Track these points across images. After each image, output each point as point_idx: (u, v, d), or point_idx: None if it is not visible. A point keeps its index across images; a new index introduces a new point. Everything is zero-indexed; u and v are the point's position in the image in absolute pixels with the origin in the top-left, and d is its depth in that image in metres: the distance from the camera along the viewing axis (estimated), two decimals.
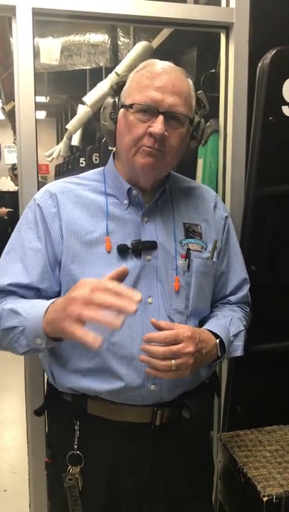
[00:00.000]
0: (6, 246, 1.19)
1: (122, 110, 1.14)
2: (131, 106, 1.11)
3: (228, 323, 1.23)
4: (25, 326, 1.05)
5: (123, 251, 1.14)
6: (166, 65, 1.15)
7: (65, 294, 1.09)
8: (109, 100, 1.17)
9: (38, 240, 1.16)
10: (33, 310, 1.05)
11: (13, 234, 1.20)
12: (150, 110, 1.09)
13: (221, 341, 1.16)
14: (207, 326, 1.19)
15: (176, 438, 1.18)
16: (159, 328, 1.06)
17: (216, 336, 1.16)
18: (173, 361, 1.03)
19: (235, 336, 1.23)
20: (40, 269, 1.14)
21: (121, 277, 0.98)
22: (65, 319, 0.93)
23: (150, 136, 1.09)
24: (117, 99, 1.16)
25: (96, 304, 0.90)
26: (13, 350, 1.11)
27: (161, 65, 1.14)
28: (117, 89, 1.17)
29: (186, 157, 1.23)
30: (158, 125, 1.08)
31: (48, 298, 1.15)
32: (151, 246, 1.16)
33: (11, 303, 1.11)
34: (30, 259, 1.15)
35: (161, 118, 1.08)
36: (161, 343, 1.03)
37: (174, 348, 1.03)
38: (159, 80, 1.10)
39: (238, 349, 1.24)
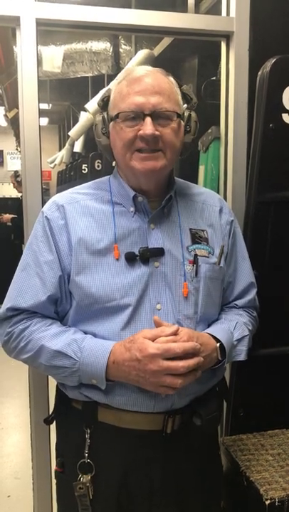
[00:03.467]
0: (20, 262, 1.21)
1: (111, 123, 1.16)
2: (117, 116, 1.13)
3: (233, 327, 1.23)
4: (80, 368, 1.10)
5: (131, 258, 1.15)
6: (143, 69, 1.17)
7: (77, 306, 1.16)
8: (98, 117, 1.20)
9: (50, 252, 1.17)
10: (85, 354, 1.10)
11: (25, 250, 1.22)
12: (136, 115, 1.11)
13: (222, 345, 1.16)
14: (209, 329, 1.20)
15: (187, 445, 1.18)
16: (158, 325, 1.10)
17: (217, 340, 1.16)
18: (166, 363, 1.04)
19: (239, 340, 1.23)
20: (57, 281, 1.16)
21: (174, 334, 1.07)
22: (148, 385, 1.06)
23: (142, 139, 1.11)
24: (105, 114, 1.18)
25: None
26: (59, 380, 1.20)
27: (138, 71, 1.16)
28: (104, 104, 1.20)
29: (185, 153, 1.23)
30: (147, 127, 1.09)
31: (63, 311, 1.20)
32: (159, 253, 1.16)
33: (45, 337, 1.13)
34: (46, 273, 1.16)
35: (148, 120, 1.10)
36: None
37: (166, 346, 1.05)
38: (138, 84, 1.12)
39: (241, 353, 1.24)
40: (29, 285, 1.16)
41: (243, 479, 1.34)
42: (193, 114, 1.20)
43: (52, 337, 1.13)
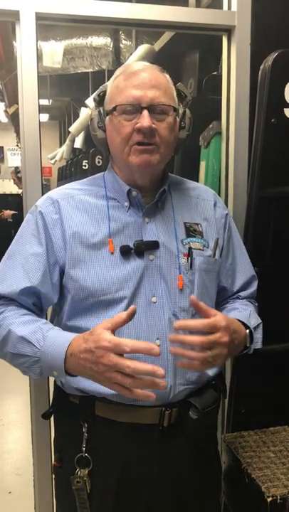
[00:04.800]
0: (7, 251, 1.21)
1: (108, 117, 1.17)
2: (114, 109, 1.13)
3: (248, 315, 1.24)
4: (41, 357, 1.08)
5: (126, 252, 1.15)
6: (140, 64, 1.18)
7: (72, 300, 1.15)
8: (94, 111, 1.21)
9: (39, 245, 1.17)
10: (47, 343, 1.06)
11: (14, 240, 1.22)
12: (134, 108, 1.11)
13: (251, 332, 1.18)
14: (237, 316, 1.21)
15: (184, 439, 1.19)
16: (198, 307, 1.05)
17: (246, 326, 1.18)
18: (209, 352, 1.02)
19: (255, 328, 1.24)
20: (41, 274, 1.16)
21: (130, 318, 0.98)
22: (102, 380, 0.99)
23: (139, 132, 1.11)
24: (101, 109, 1.19)
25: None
26: (23, 372, 1.15)
27: (135, 66, 1.17)
28: (100, 100, 1.21)
29: (179, 150, 1.24)
30: (144, 119, 1.10)
31: (46, 305, 1.20)
32: (154, 246, 1.17)
33: (15, 323, 1.12)
34: (31, 264, 1.16)
35: (146, 112, 1.10)
36: (198, 332, 1.03)
37: (212, 337, 1.02)
38: (135, 78, 1.13)
39: (258, 341, 1.25)
40: (11, 274, 1.16)
41: (244, 476, 1.34)
42: (187, 111, 1.21)
43: (21, 324, 1.12)
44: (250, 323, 1.23)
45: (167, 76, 1.18)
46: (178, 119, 1.19)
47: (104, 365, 0.96)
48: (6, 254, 1.21)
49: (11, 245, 1.22)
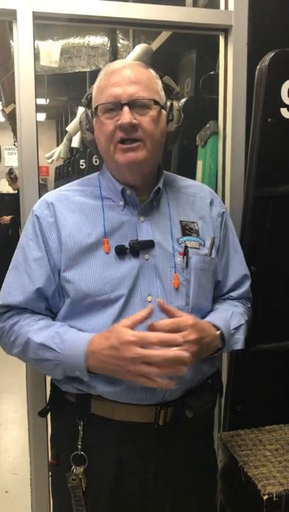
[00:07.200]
0: (12, 261, 1.23)
1: (94, 119, 1.18)
2: (96, 109, 1.14)
3: (229, 316, 1.24)
4: (62, 360, 1.11)
5: (121, 252, 1.16)
6: (121, 62, 1.19)
7: (71, 304, 1.16)
8: (83, 114, 1.21)
9: (38, 249, 1.18)
10: (67, 346, 1.10)
11: (16, 249, 1.23)
12: (114, 106, 1.12)
13: (222, 333, 1.17)
14: (208, 318, 1.21)
15: (179, 438, 1.19)
16: (165, 310, 1.09)
17: (217, 328, 1.17)
18: (174, 349, 1.03)
19: (236, 329, 1.24)
20: (45, 278, 1.17)
21: (149, 316, 1.05)
22: (126, 374, 1.05)
23: (121, 128, 1.12)
24: (89, 112, 1.20)
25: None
26: (48, 375, 1.22)
27: (115, 65, 1.18)
28: (88, 102, 1.21)
29: (170, 144, 1.23)
30: (124, 115, 1.10)
31: (55, 308, 1.20)
32: (149, 245, 1.17)
33: (32, 330, 1.14)
34: (34, 270, 1.17)
35: (126, 109, 1.11)
36: (164, 331, 1.05)
37: (175, 334, 1.04)
38: (114, 77, 1.14)
39: (238, 342, 1.25)
40: (18, 282, 1.18)
41: (240, 475, 1.34)
42: (175, 103, 1.21)
43: (38, 330, 1.14)
44: (230, 324, 1.22)
45: (151, 71, 1.18)
46: (164, 112, 1.18)
47: (129, 358, 1.01)
48: (10, 264, 1.22)
49: (14, 255, 1.23)
